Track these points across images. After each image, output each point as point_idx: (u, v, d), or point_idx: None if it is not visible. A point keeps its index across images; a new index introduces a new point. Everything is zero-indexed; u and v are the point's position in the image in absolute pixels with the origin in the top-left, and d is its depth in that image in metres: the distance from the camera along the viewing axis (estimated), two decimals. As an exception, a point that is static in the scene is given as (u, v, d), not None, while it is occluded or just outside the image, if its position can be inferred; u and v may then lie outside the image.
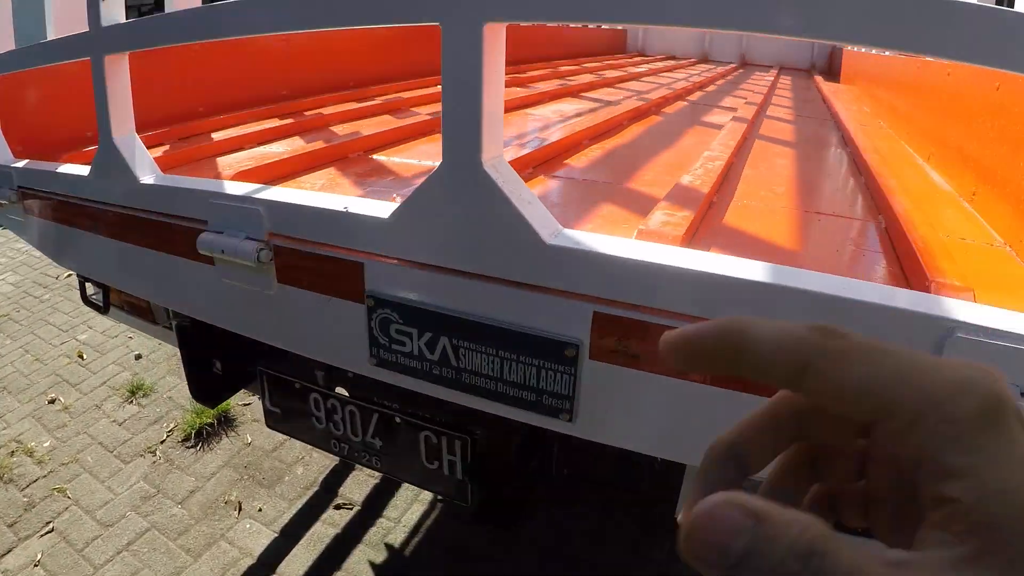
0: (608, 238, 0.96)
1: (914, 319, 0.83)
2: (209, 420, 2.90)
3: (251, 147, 1.91)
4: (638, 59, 6.86)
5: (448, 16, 0.89)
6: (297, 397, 1.70)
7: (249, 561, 2.27)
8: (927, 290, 0.98)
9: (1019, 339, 0.81)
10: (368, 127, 2.05)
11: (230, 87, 2.27)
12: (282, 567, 2.26)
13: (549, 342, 0.99)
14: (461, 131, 0.93)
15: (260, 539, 2.37)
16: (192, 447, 2.81)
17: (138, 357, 3.53)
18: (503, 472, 1.42)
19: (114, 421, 2.99)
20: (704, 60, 7.67)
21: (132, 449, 2.80)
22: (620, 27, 7.32)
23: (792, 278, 0.87)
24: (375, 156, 1.85)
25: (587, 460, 1.23)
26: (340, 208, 1.12)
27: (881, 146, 2.09)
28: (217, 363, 1.80)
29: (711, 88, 4.35)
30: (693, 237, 1.19)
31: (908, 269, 1.14)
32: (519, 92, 3.10)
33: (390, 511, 2.50)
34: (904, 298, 0.85)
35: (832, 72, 6.64)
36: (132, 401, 3.15)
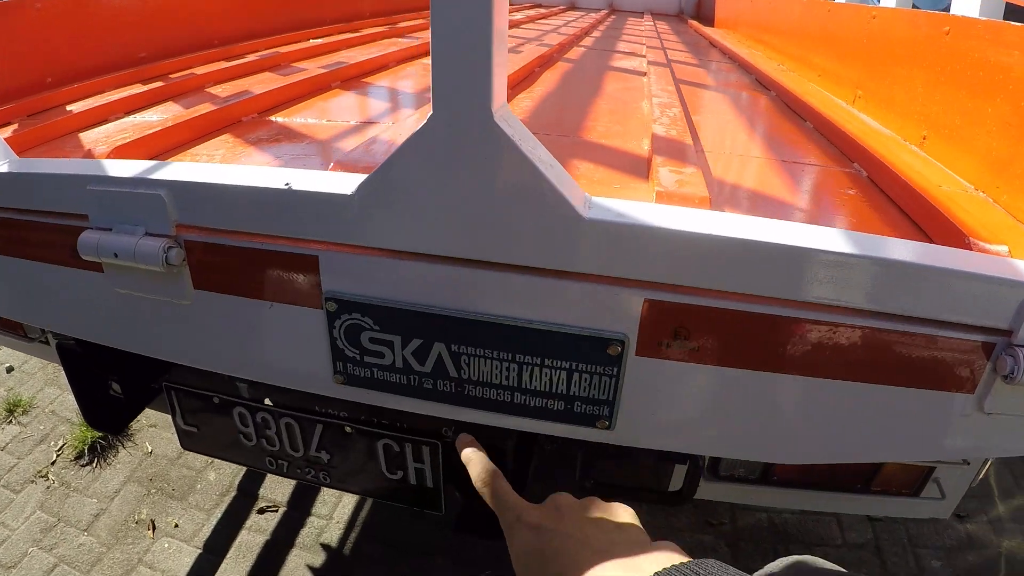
0: (656, 207, 0.74)
1: (997, 287, 0.71)
2: (101, 434, 2.42)
3: (119, 117, 1.48)
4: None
5: None
6: (217, 413, 1.36)
7: (174, 586, 1.92)
8: (968, 248, 0.84)
9: None
10: (252, 87, 1.66)
11: (78, 52, 1.76)
12: (213, 587, 1.93)
13: (587, 340, 0.77)
14: (462, 71, 0.65)
15: (182, 558, 2.00)
16: (87, 465, 2.33)
17: (9, 370, 2.90)
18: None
19: (-6, 446, 2.43)
20: (572, 7, 7.45)
21: (20, 476, 2.28)
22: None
23: (870, 246, 0.70)
24: (274, 118, 1.48)
25: (614, 466, 1.03)
26: (279, 185, 0.81)
27: (808, 91, 1.98)
28: (114, 384, 1.41)
29: (597, 34, 4.14)
30: (715, 198, 0.99)
31: (927, 225, 1.01)
32: (403, 43, 2.74)
33: (319, 508, 2.21)
34: (978, 264, 0.72)
35: (702, 17, 6.62)
36: (11, 420, 2.57)
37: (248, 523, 2.14)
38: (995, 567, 2.03)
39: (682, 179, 0.96)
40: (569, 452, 1.09)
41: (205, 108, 1.38)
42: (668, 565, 0.46)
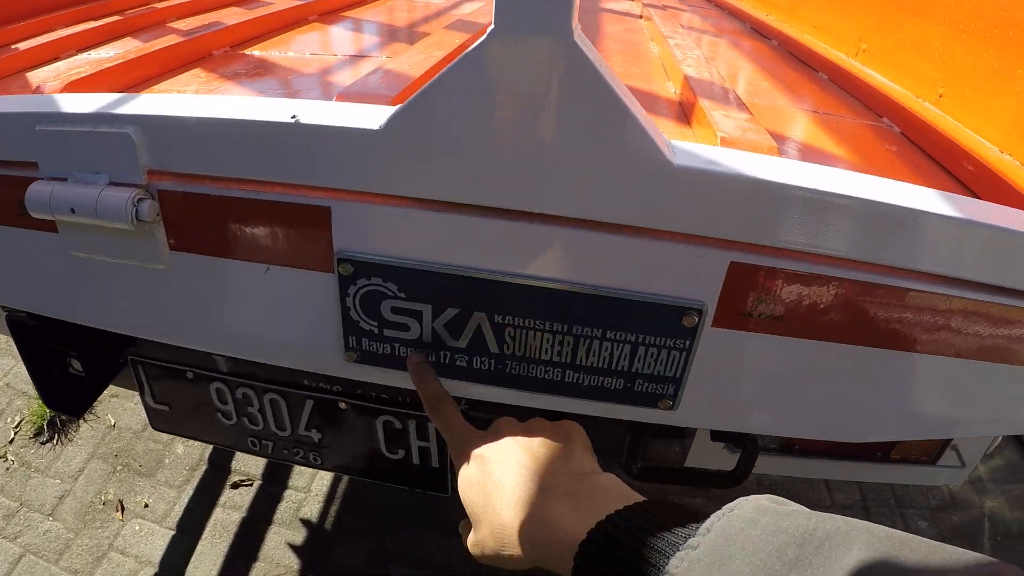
0: (749, 155, 0.61)
1: None
2: (62, 414, 2.21)
3: (71, 54, 1.26)
4: None
5: None
6: (192, 389, 1.21)
7: (150, 570, 1.76)
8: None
9: None
10: (221, 20, 1.46)
11: None
12: (191, 570, 1.78)
13: (660, 308, 0.64)
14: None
15: (155, 541, 1.84)
16: (48, 442, 2.11)
17: None
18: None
19: (-60, 428, 2.20)
20: None
21: None
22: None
23: (979, 211, 0.60)
24: (250, 52, 1.29)
25: (666, 449, 0.93)
26: (284, 118, 0.65)
27: (810, 40, 1.87)
28: (74, 361, 1.23)
29: None
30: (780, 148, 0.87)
31: (978, 188, 0.92)
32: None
33: (296, 480, 2.07)
34: None
35: None
36: None
37: (222, 499, 1.99)
38: (979, 527, 2.05)
39: (739, 124, 0.83)
40: (608, 431, 0.98)
41: (170, 40, 1.18)
42: (620, 507, 0.43)
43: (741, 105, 0.94)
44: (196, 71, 1.14)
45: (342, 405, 1.14)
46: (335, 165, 0.66)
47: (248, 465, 2.11)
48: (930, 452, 1.32)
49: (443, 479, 1.17)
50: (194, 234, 0.76)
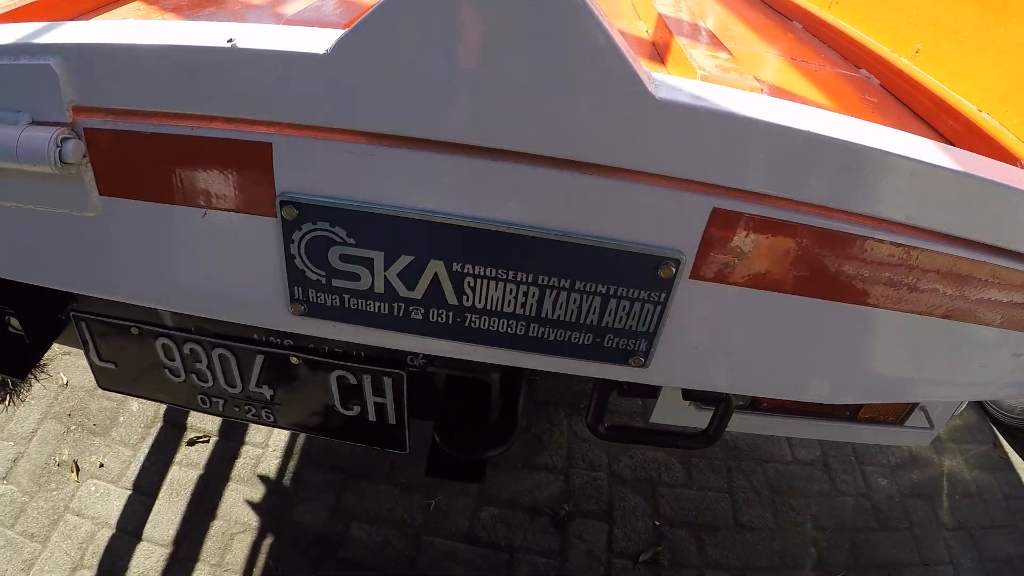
0: (738, 93, 0.56)
1: None
2: (3, 376, 2.09)
3: None
4: None
5: None
6: (138, 345, 1.13)
7: (107, 532, 1.69)
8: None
9: None
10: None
11: None
12: (148, 530, 1.71)
13: (634, 258, 0.59)
14: None
15: (112, 501, 1.77)
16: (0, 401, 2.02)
17: None
18: (473, 415, 1.02)
19: None
20: None
21: None
22: None
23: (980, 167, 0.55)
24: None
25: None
26: (219, 43, 0.57)
27: None
28: (11, 320, 1.13)
29: None
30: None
31: (962, 143, 0.87)
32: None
33: (253, 436, 2.00)
34: None
35: None
36: None
37: (179, 457, 1.91)
38: (938, 485, 2.09)
39: (721, 64, 0.77)
40: (570, 387, 0.94)
41: (103, -35, 1.06)
42: None
43: (719, 44, 0.87)
44: (136, 4, 1.03)
45: (294, 360, 1.07)
46: (276, 96, 0.58)
47: (204, 422, 2.04)
48: (898, 413, 1.31)
49: (401, 436, 1.13)
50: (125, 177, 0.68)
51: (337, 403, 1.12)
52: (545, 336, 0.66)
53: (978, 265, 0.60)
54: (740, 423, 1.23)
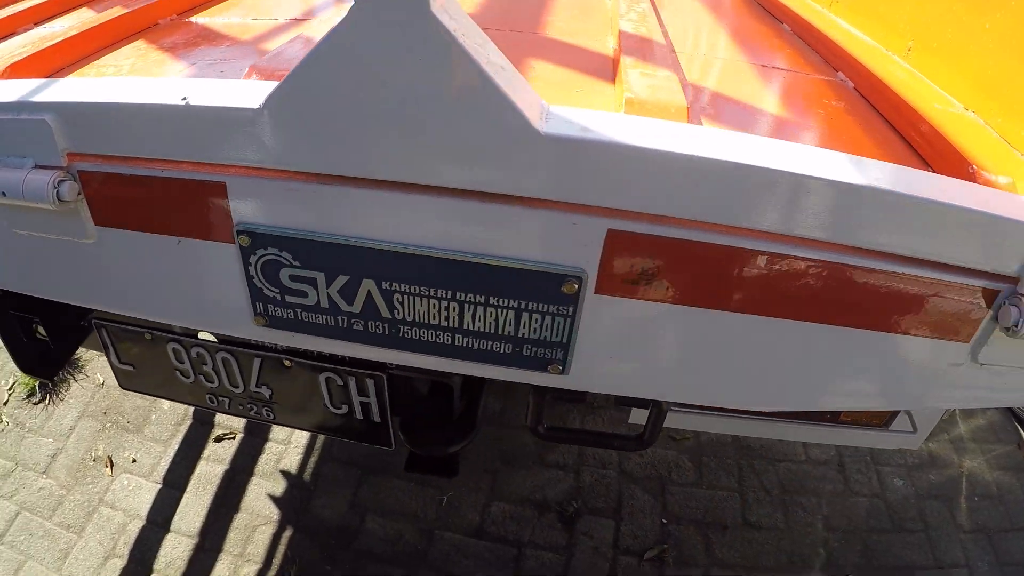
0: (626, 119, 0.61)
1: (1006, 229, 0.62)
2: (34, 378, 2.29)
3: (27, 28, 1.26)
4: None
5: None
6: (152, 349, 1.24)
7: (138, 523, 1.85)
8: (971, 179, 0.74)
9: None
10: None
11: None
12: (176, 522, 1.86)
13: (539, 276, 0.65)
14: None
15: (143, 495, 1.93)
16: (40, 402, 2.20)
17: None
18: (434, 415, 1.09)
19: (-59, 391, 2.29)
20: None
21: None
22: None
23: (895, 180, 0.59)
24: (195, 19, 1.28)
25: (573, 412, 0.95)
26: (176, 101, 0.66)
27: None
28: (38, 326, 1.27)
29: None
30: (692, 107, 0.85)
31: (924, 148, 0.89)
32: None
33: (277, 433, 2.13)
34: (985, 201, 0.62)
35: None
36: None
37: (206, 453, 2.06)
38: (956, 486, 2.06)
39: (655, 84, 0.82)
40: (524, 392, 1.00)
41: (117, 12, 1.18)
42: None
43: (668, 61, 0.92)
44: (139, 43, 1.14)
45: (286, 363, 1.17)
46: (224, 142, 0.67)
47: (231, 420, 2.18)
48: (882, 416, 1.32)
49: (385, 433, 1.21)
50: (114, 210, 0.78)
51: (327, 402, 1.21)
52: (470, 345, 0.73)
53: (869, 272, 0.64)
54: (717, 424, 1.26)
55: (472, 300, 0.69)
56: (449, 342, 0.73)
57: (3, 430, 2.14)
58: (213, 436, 2.12)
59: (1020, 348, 0.70)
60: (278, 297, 0.77)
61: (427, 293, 0.69)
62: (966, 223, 0.62)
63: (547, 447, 2.18)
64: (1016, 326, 0.64)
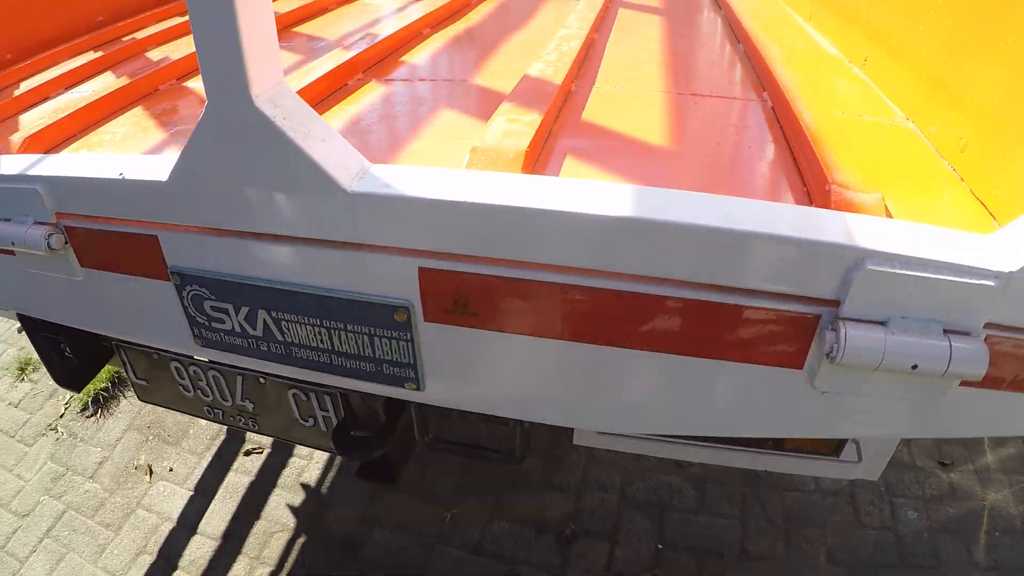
0: (427, 173, 0.78)
1: (816, 252, 0.69)
2: (104, 384, 2.68)
3: (58, 93, 1.59)
4: None
5: None
6: (159, 367, 1.51)
7: (169, 525, 2.16)
8: (827, 196, 0.84)
9: (938, 267, 0.69)
10: (184, 47, 1.73)
11: (37, 22, 1.88)
12: (203, 525, 2.15)
13: (375, 307, 0.83)
14: (221, 62, 0.71)
15: (176, 500, 2.24)
16: (92, 416, 2.61)
17: (20, 330, 3.21)
18: (373, 427, 1.28)
19: (9, 404, 2.73)
20: None
21: (33, 430, 2.58)
22: None
23: (653, 207, 0.71)
24: (189, 84, 1.56)
25: (453, 424, 1.11)
26: (116, 175, 0.90)
27: (760, 8, 1.89)
28: (65, 346, 1.58)
29: None
30: (544, 147, 1.01)
31: (804, 166, 0.99)
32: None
33: (300, 449, 2.39)
34: (797, 224, 0.71)
35: None
36: (23, 378, 2.87)
37: (235, 465, 2.35)
38: (977, 521, 2.02)
39: (512, 129, 0.97)
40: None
41: (124, 81, 1.47)
42: None
43: (547, 103, 1.07)
44: (136, 110, 1.42)
45: (261, 380, 1.40)
46: (153, 206, 0.90)
47: (261, 435, 2.46)
48: (828, 445, 1.35)
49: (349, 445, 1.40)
50: (93, 256, 1.04)
51: (297, 415, 1.42)
52: (343, 364, 0.91)
53: (681, 301, 0.73)
54: (655, 448, 1.34)
55: (335, 327, 0.87)
56: (328, 361, 0.92)
57: (58, 439, 2.52)
58: (243, 450, 2.41)
59: (853, 374, 0.74)
60: (206, 323, 0.99)
61: (303, 320, 0.89)
62: (777, 250, 0.69)
63: (553, 470, 2.31)
64: (832, 352, 0.70)
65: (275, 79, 0.75)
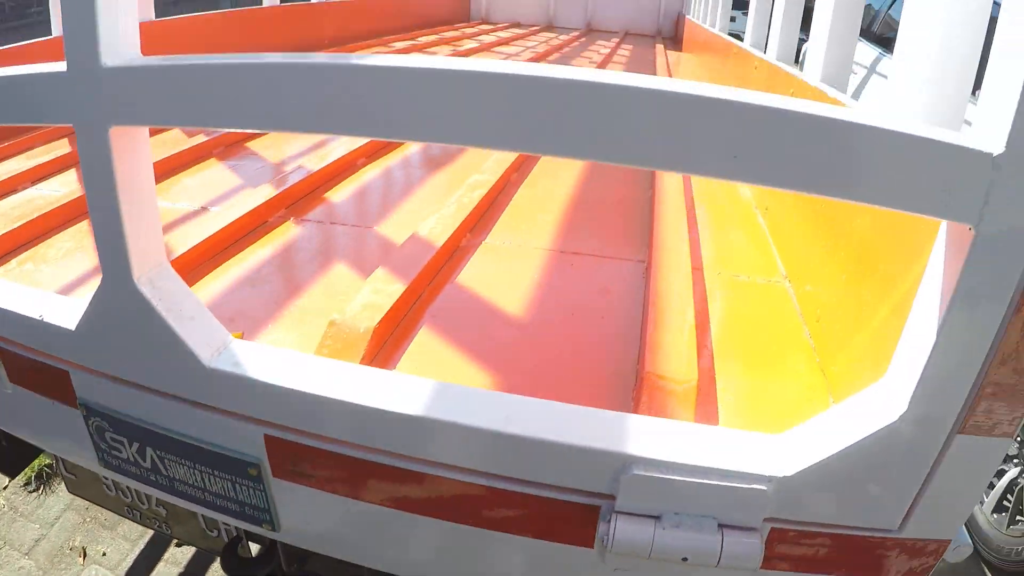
0: (273, 356, 0.96)
1: (586, 455, 0.83)
2: (48, 461, 2.84)
3: (25, 187, 1.81)
4: (482, 27, 7.08)
5: (76, 119, 0.85)
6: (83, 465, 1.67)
7: (96, 609, 2.27)
8: (640, 382, 0.99)
9: (707, 473, 0.82)
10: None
11: None
12: (127, 613, 2.26)
13: (235, 460, 1.00)
14: (109, 245, 0.91)
15: (106, 585, 2.36)
16: (35, 491, 2.76)
17: None
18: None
19: (-47, 475, 2.91)
20: (550, 27, 7.81)
21: None
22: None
23: (445, 409, 0.88)
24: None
25: (316, 558, 1.25)
26: (36, 315, 1.08)
27: None
28: (1, 438, 1.75)
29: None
30: (407, 314, 1.19)
31: (643, 344, 1.14)
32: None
33: (231, 545, 2.51)
34: (571, 427, 0.85)
35: (677, 39, 6.97)
36: None
37: (166, 555, 2.46)
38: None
39: (373, 302, 1.17)
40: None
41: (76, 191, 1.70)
42: None
43: (414, 268, 1.26)
44: (82, 225, 1.64)
45: (171, 488, 1.55)
46: (63, 346, 1.08)
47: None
48: None
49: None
50: (18, 375, 1.21)
51: (204, 526, 1.56)
52: (215, 501, 1.07)
53: (493, 492, 0.89)
54: None
55: (205, 470, 1.04)
56: (203, 497, 1.08)
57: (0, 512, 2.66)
58: (175, 541, 2.52)
59: (635, 559, 0.86)
60: (108, 449, 1.15)
61: (181, 462, 1.06)
62: (549, 452, 0.83)
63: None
64: (603, 543, 0.82)
65: (156, 261, 0.95)
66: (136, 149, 0.88)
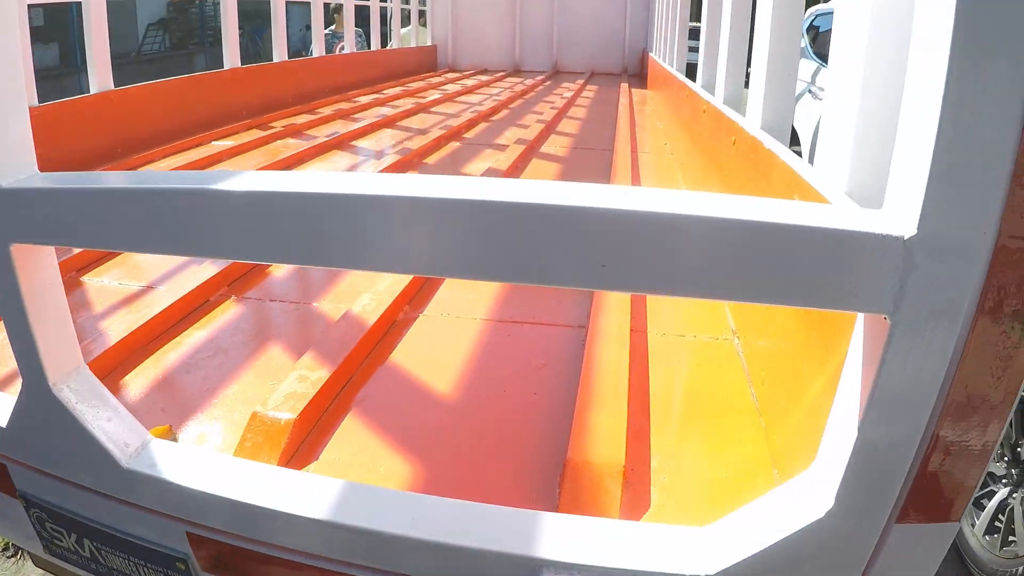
0: (189, 456, 0.99)
1: (499, 559, 0.83)
2: None
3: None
4: (448, 75, 7.44)
5: None
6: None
7: None
8: (564, 469, 1.00)
9: (620, 575, 0.81)
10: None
11: None
12: None
13: (163, 555, 1.03)
14: (23, 354, 0.94)
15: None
16: (12, 556, 2.84)
17: None
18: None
19: (-65, 537, 2.99)
20: (516, 71, 8.14)
21: None
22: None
23: (363, 513, 0.89)
24: (86, 279, 1.80)
25: None
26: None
27: (652, 182, 2.11)
28: None
29: (501, 114, 4.54)
30: (333, 401, 1.20)
31: (574, 423, 1.15)
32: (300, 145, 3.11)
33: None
34: (481, 529, 0.86)
35: (643, 75, 7.27)
36: None
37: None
38: None
39: (296, 391, 1.19)
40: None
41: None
42: None
43: (343, 352, 1.28)
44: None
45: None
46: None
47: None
48: None
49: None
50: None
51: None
52: (152, 594, 1.10)
53: None
54: None
55: (138, 562, 1.07)
56: (142, 589, 1.11)
57: (-24, 576, 2.74)
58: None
59: None
60: (49, 538, 1.19)
61: (114, 553, 1.09)
62: (460, 557, 0.84)
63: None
64: None
65: (71, 365, 0.98)
66: (41, 261, 0.91)
